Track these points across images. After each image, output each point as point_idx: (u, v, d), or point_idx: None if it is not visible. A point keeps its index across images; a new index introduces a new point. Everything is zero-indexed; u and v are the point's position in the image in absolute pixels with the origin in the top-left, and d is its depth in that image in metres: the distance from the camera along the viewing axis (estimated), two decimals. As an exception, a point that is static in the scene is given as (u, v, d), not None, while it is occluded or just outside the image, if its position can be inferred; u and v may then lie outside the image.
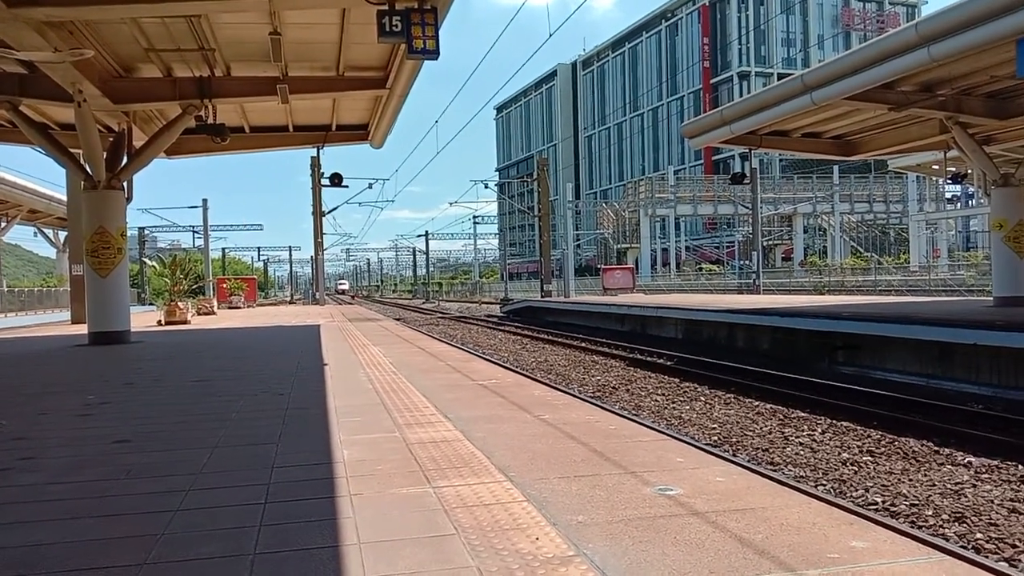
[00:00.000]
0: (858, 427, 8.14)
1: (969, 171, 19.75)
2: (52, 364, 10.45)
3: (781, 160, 78.75)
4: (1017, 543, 4.61)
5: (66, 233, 40.82)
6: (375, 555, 2.64)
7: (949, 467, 6.50)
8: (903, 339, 11.71)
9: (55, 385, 7.97)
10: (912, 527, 4.60)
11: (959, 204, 59.35)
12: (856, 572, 2.40)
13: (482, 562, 2.55)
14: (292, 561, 2.61)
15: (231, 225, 77.52)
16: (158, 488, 3.61)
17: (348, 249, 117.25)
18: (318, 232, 37.63)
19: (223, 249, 79.25)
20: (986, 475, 6.21)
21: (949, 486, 5.87)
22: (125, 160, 14.44)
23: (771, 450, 7.32)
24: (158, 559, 2.65)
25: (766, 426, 8.47)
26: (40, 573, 2.56)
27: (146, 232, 63.84)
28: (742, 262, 59.26)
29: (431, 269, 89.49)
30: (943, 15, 11.35)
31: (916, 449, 7.12)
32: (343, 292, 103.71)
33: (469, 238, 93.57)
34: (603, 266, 46.65)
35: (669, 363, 14.31)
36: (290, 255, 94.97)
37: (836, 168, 63.90)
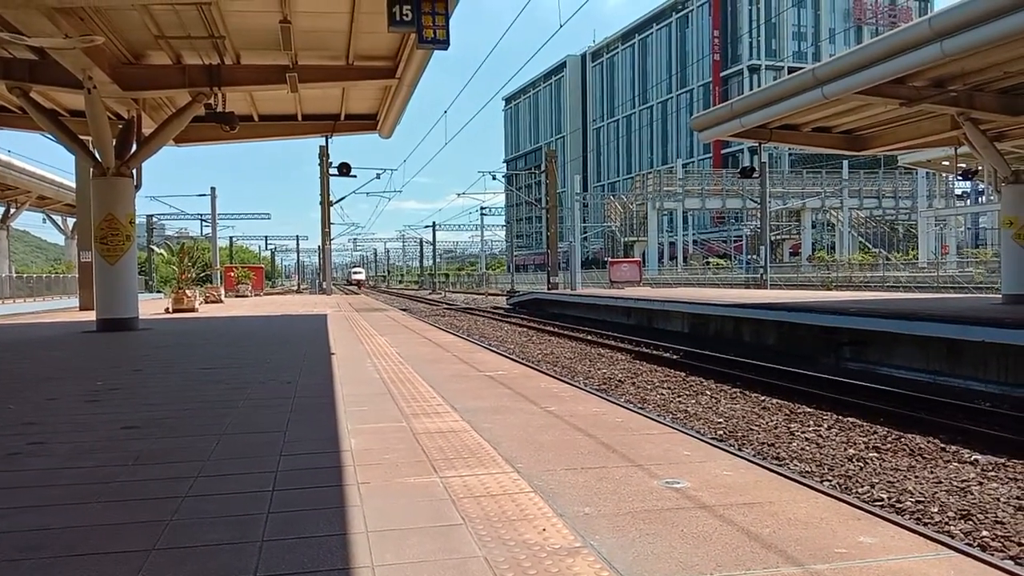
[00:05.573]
0: (864, 423, 8.14)
1: (980, 168, 19.63)
2: (61, 350, 10.50)
3: (790, 154, 78.48)
4: (1023, 541, 4.60)
5: (75, 220, 40.93)
6: (383, 544, 2.65)
7: (955, 464, 6.49)
8: (910, 335, 11.67)
9: (64, 371, 8.00)
10: (918, 524, 4.60)
11: (968, 201, 59.04)
12: (865, 567, 2.40)
13: (489, 552, 2.56)
14: (300, 548, 2.61)
15: (239, 213, 77.68)
16: (166, 474, 3.63)
17: (355, 239, 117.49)
18: (326, 221, 37.58)
19: (231, 238, 79.55)
20: (992, 473, 6.20)
21: (955, 483, 5.87)
22: (134, 147, 14.47)
23: (777, 445, 7.32)
24: (166, 545, 2.66)
25: (772, 421, 8.46)
26: (50, 557, 2.57)
27: (154, 220, 64.01)
28: (749, 256, 59.15)
29: (438, 260, 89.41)
30: (957, 10, 11.23)
31: (922, 446, 7.12)
32: (358, 283, 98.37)
33: (476, 229, 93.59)
34: (610, 259, 46.47)
35: (675, 357, 14.31)
36: (297, 244, 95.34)
37: (845, 163, 63.60)
